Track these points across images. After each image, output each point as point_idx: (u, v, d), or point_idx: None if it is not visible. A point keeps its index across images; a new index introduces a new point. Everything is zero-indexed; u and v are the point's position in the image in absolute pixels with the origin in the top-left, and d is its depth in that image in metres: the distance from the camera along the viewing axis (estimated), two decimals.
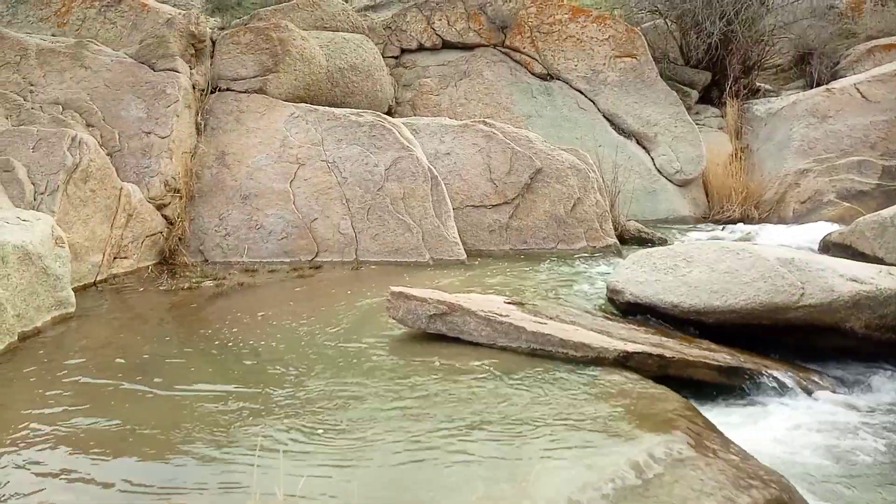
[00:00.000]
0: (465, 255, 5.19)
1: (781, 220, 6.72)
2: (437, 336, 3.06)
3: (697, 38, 8.82)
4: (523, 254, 5.46)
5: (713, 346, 3.11)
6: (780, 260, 3.30)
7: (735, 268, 3.37)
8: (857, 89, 7.48)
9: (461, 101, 7.97)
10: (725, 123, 8.85)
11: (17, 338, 3.17)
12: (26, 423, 2.31)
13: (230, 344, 3.17)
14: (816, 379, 2.89)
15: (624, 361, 2.72)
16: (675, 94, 7.79)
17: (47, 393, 2.59)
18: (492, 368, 2.70)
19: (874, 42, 10.80)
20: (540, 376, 2.61)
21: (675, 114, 7.65)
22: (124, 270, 4.90)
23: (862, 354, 3.19)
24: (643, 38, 8.04)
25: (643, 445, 1.94)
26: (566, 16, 8.02)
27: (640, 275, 3.65)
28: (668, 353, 2.75)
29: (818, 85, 10.78)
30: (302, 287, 4.39)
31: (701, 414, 2.26)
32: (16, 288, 3.26)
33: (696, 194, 7.39)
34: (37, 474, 1.99)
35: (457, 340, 3.01)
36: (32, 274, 3.39)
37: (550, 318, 3.25)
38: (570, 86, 7.86)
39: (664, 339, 3.11)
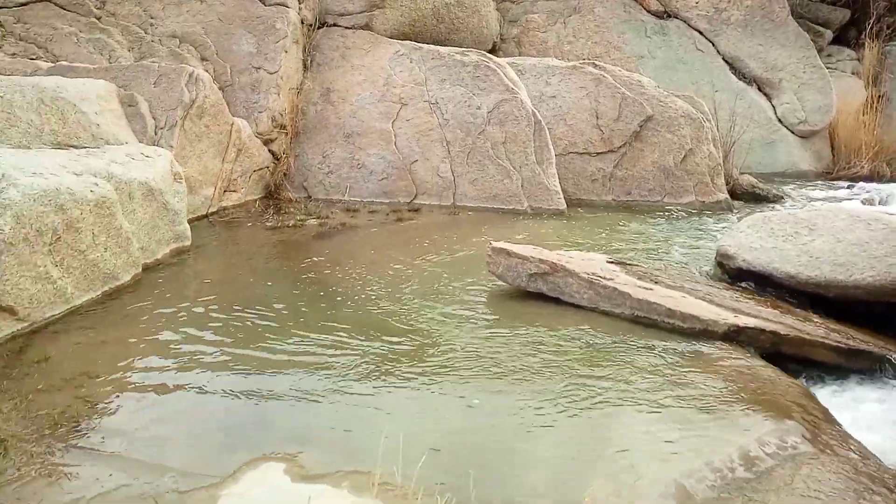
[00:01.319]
0: (565, 205, 5.07)
1: None
2: (536, 295, 3.03)
3: None
4: (627, 205, 5.28)
5: (832, 323, 2.92)
6: None
7: (865, 239, 3.11)
8: None
9: (569, 38, 7.63)
10: (861, 68, 8.07)
11: (140, 269, 3.39)
12: (153, 348, 2.49)
13: (336, 291, 3.25)
14: None
15: (735, 336, 2.60)
16: (807, 35, 7.13)
17: (168, 323, 2.77)
18: (595, 337, 2.64)
19: None
20: (645, 348, 2.54)
21: (805, 58, 7.02)
22: (233, 203, 5.10)
23: None
24: None
25: (754, 434, 1.86)
26: None
27: (755, 240, 3.44)
28: (782, 330, 2.60)
29: None
30: (402, 231, 4.43)
31: (818, 401, 2.14)
32: (140, 222, 3.46)
33: (819, 147, 6.84)
34: (162, 391, 2.14)
35: (557, 301, 2.96)
36: (155, 209, 3.59)
37: (655, 283, 3.14)
38: (689, 25, 7.35)
39: (778, 312, 2.94)
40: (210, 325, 2.79)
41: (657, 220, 4.82)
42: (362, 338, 2.67)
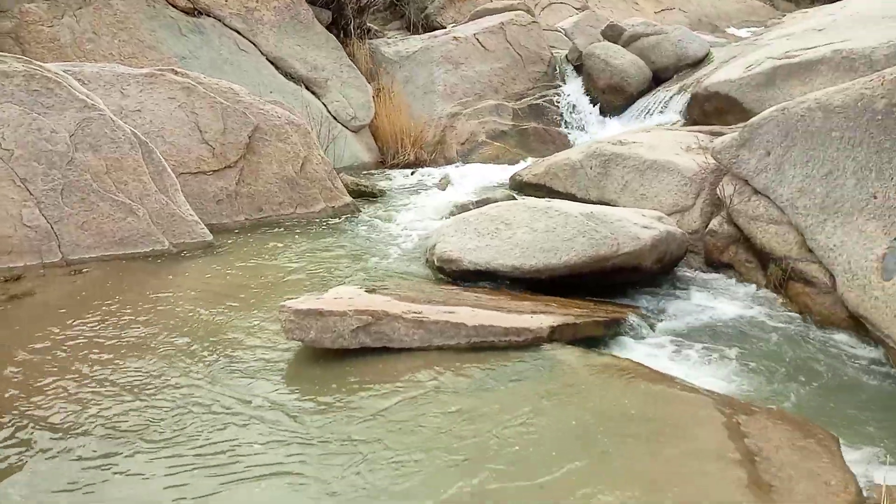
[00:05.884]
0: (211, 235, 4.43)
1: (448, 161, 7.42)
2: (354, 350, 2.68)
3: None
4: (263, 223, 4.92)
5: (568, 301, 3.46)
6: (584, 215, 3.79)
7: (552, 226, 3.75)
8: (477, 39, 8.55)
9: (88, 35, 6.45)
10: (355, 64, 9.11)
11: None
12: None
13: None
14: (648, 315, 3.50)
15: (552, 335, 2.86)
16: (334, 37, 7.69)
17: None
18: (460, 380, 2.53)
19: None
20: (512, 375, 2.56)
21: (339, 58, 7.61)
22: None
23: (641, 283, 3.96)
24: None
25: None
26: None
27: (468, 241, 3.75)
28: (578, 321, 2.99)
29: (414, 27, 11.89)
30: (29, 322, 3.14)
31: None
32: None
33: (368, 139, 7.58)
34: None
35: (383, 350, 2.69)
36: None
37: (429, 303, 3.15)
38: (225, 24, 7.07)
39: (534, 303, 3.33)
40: None
41: (314, 235, 4.66)
42: None
